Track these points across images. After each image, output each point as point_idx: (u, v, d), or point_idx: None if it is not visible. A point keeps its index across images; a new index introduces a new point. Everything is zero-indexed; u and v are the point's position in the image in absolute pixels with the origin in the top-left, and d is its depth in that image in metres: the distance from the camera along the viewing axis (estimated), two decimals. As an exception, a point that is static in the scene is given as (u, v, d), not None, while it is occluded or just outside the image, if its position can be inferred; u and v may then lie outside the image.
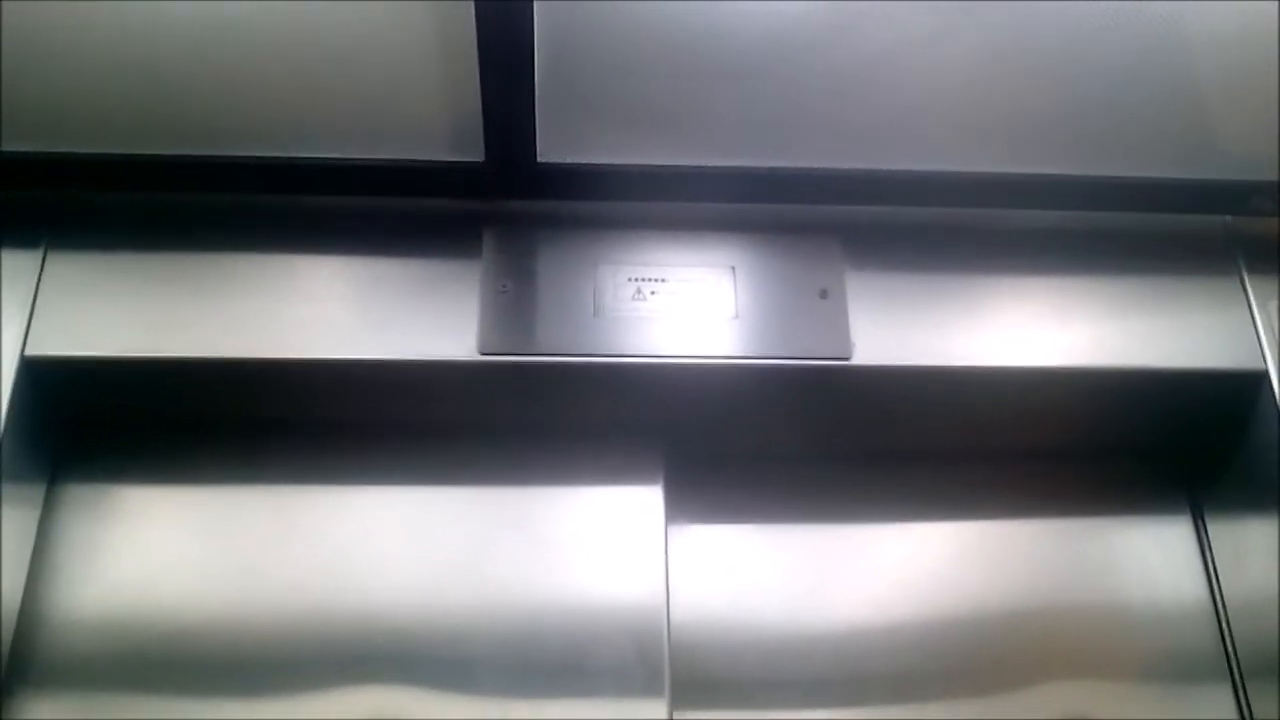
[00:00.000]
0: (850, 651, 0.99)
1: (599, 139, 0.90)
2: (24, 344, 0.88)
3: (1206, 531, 1.06)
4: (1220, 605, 1.03)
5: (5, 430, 0.85)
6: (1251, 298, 0.98)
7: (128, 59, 0.82)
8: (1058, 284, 0.98)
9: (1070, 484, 1.08)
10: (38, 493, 0.94)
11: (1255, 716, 0.98)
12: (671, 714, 0.90)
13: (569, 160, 0.91)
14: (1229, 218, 1.01)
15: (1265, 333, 0.97)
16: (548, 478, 1.00)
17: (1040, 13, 0.80)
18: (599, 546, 0.97)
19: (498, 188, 0.94)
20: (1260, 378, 0.96)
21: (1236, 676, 1.00)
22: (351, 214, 0.95)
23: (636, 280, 0.95)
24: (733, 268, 0.96)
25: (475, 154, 0.89)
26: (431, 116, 0.87)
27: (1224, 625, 1.02)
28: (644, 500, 0.99)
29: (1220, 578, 1.03)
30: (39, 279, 0.90)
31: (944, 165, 0.93)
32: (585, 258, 0.95)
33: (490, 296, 0.93)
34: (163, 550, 0.94)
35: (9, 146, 0.88)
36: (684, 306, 0.94)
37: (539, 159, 0.90)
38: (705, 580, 1.01)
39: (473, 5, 0.75)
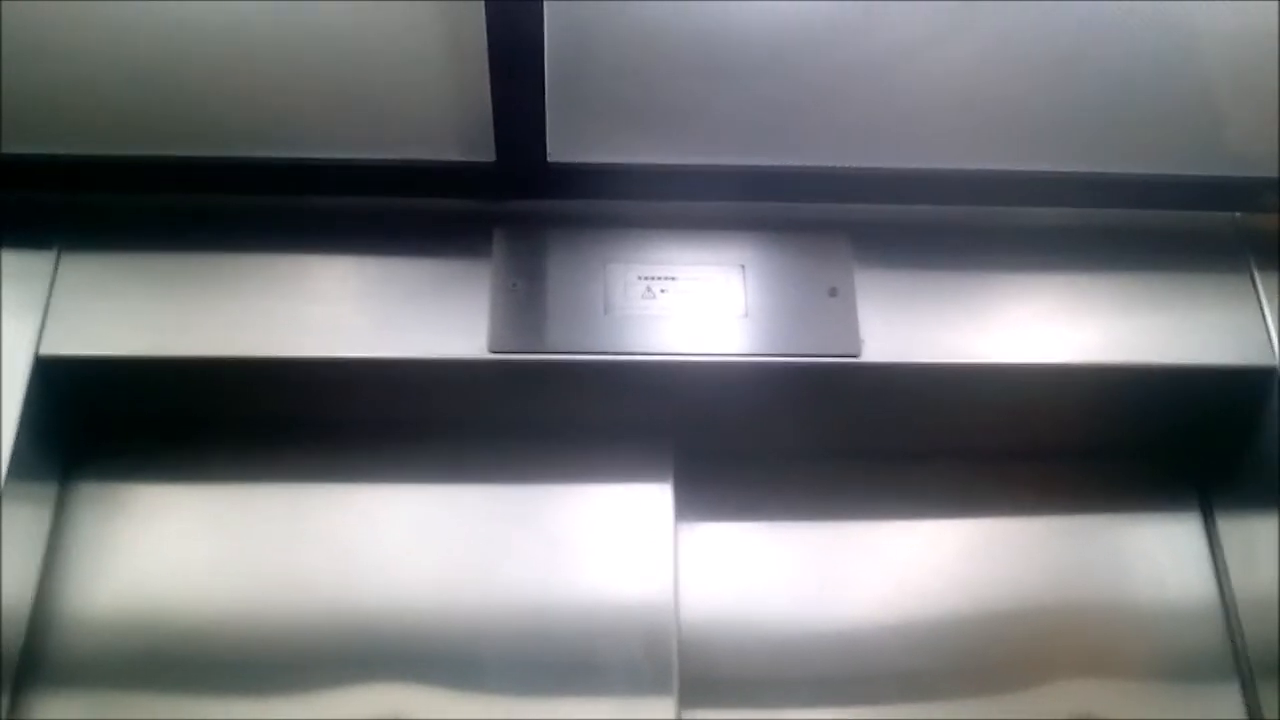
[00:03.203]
0: (859, 650, 0.99)
1: (609, 139, 0.91)
2: (38, 344, 0.88)
3: (1216, 529, 1.05)
4: (1229, 603, 1.02)
5: (19, 429, 0.86)
6: (1261, 294, 0.98)
7: (139, 61, 0.82)
8: (1067, 281, 0.98)
9: (1079, 481, 1.07)
10: (50, 491, 0.95)
11: (1264, 716, 0.97)
12: (680, 712, 0.90)
13: (579, 160, 0.91)
14: (1239, 214, 1.01)
15: (1275, 329, 0.96)
16: (557, 476, 1.00)
17: (1048, 10, 0.80)
18: (608, 545, 0.97)
19: (508, 187, 0.94)
20: (1270, 374, 0.96)
21: (1245, 675, 1.00)
22: (362, 214, 0.95)
23: (646, 279, 0.95)
24: (742, 266, 0.96)
25: (486, 154, 0.89)
26: (442, 117, 0.88)
27: (1233, 624, 1.02)
28: (653, 498, 0.99)
29: (1229, 576, 1.03)
30: (53, 279, 0.91)
31: (953, 163, 0.93)
32: (595, 256, 0.95)
33: (500, 295, 0.93)
34: (174, 549, 0.94)
35: (22, 148, 0.88)
36: (693, 305, 0.94)
37: (549, 159, 0.90)
38: (714, 578, 1.01)
39: (483, 6, 0.75)
